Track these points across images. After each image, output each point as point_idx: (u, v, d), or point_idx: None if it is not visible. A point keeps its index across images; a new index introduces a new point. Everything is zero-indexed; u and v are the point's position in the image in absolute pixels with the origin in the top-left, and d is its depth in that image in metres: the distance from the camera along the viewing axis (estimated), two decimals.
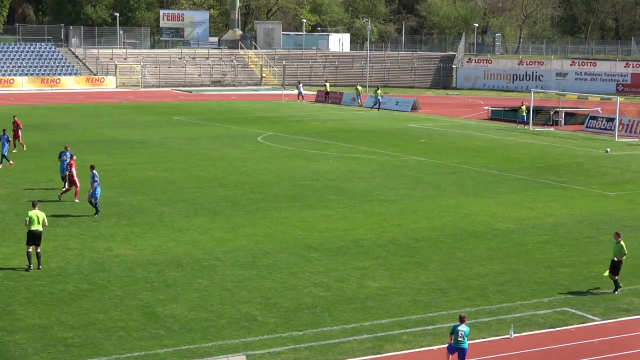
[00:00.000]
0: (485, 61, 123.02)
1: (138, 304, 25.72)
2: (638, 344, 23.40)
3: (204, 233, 34.31)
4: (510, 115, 79.29)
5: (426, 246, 32.98)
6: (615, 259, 27.79)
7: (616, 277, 27.75)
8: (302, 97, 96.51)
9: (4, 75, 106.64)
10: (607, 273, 28.00)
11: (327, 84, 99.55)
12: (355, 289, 27.58)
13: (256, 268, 29.64)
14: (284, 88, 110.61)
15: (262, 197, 41.57)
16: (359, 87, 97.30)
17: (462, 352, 20.94)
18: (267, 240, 33.35)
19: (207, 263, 30.14)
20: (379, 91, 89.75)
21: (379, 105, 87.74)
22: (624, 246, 27.83)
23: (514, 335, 23.65)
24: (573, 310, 25.91)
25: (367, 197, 41.99)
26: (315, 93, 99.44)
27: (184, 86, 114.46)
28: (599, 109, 77.84)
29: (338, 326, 24.23)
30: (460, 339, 20.84)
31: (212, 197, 41.23)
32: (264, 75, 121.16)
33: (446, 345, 21.43)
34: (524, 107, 73.83)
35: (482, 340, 23.33)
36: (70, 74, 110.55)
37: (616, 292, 27.62)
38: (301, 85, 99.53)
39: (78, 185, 39.28)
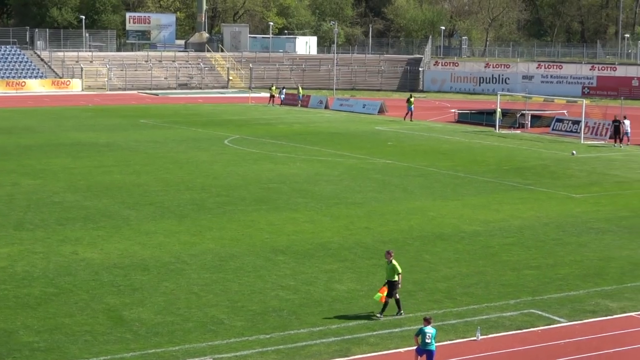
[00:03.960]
0: (451, 64, 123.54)
1: (104, 308, 25.54)
2: (604, 345, 23.51)
3: (170, 236, 34.15)
4: (476, 118, 79.70)
5: (393, 249, 32.92)
6: (388, 280, 25.31)
7: (390, 299, 25.16)
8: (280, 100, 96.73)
9: None
10: (378, 296, 24.94)
11: (273, 87, 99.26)
12: (322, 292, 27.53)
13: (223, 271, 29.53)
14: (251, 91, 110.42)
15: (229, 200, 41.46)
16: (300, 88, 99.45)
17: (430, 354, 20.97)
18: (234, 244, 33.24)
19: (174, 266, 29.99)
20: (411, 99, 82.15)
21: (409, 115, 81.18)
22: (397, 265, 25.30)
23: (480, 337, 23.70)
24: (539, 312, 25.99)
25: (334, 199, 41.97)
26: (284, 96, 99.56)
27: (150, 89, 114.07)
28: (564, 111, 78.28)
29: (305, 329, 24.18)
30: (427, 341, 20.87)
31: (178, 200, 41.06)
32: (230, 78, 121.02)
33: (414, 348, 21.44)
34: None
35: (449, 342, 23.35)
36: (35, 77, 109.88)
37: (379, 315, 25.11)
38: (284, 90, 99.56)
39: None
